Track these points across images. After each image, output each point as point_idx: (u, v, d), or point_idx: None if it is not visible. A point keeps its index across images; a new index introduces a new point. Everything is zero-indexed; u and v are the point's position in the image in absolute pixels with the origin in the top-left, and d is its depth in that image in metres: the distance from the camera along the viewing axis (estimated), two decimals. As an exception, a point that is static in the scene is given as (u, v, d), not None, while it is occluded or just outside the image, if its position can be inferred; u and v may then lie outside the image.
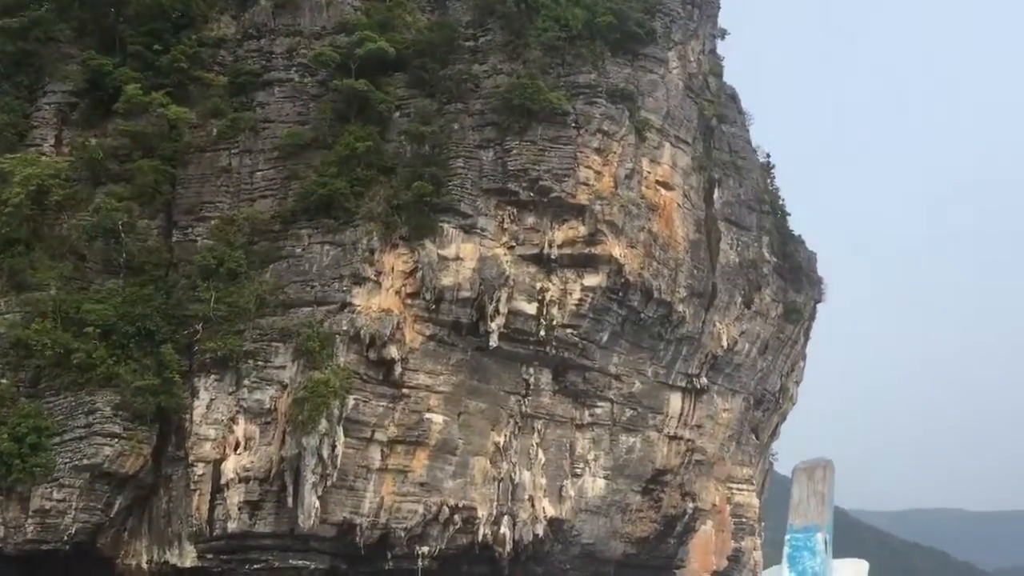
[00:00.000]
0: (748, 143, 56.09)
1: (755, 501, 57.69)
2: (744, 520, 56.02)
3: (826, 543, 2.84)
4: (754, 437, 59.98)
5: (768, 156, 61.05)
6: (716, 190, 51.38)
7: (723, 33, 58.88)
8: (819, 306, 60.88)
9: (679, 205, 48.22)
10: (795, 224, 59.68)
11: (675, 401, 49.94)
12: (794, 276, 56.76)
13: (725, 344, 50.63)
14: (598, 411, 47.38)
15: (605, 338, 46.16)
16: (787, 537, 2.96)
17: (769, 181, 60.08)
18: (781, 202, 59.60)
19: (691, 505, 51.55)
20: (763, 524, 59.33)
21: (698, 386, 50.49)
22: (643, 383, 48.39)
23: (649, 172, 47.00)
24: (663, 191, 47.56)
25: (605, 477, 47.77)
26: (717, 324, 50.36)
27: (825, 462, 3.12)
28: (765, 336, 53.69)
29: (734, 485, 56.69)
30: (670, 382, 49.61)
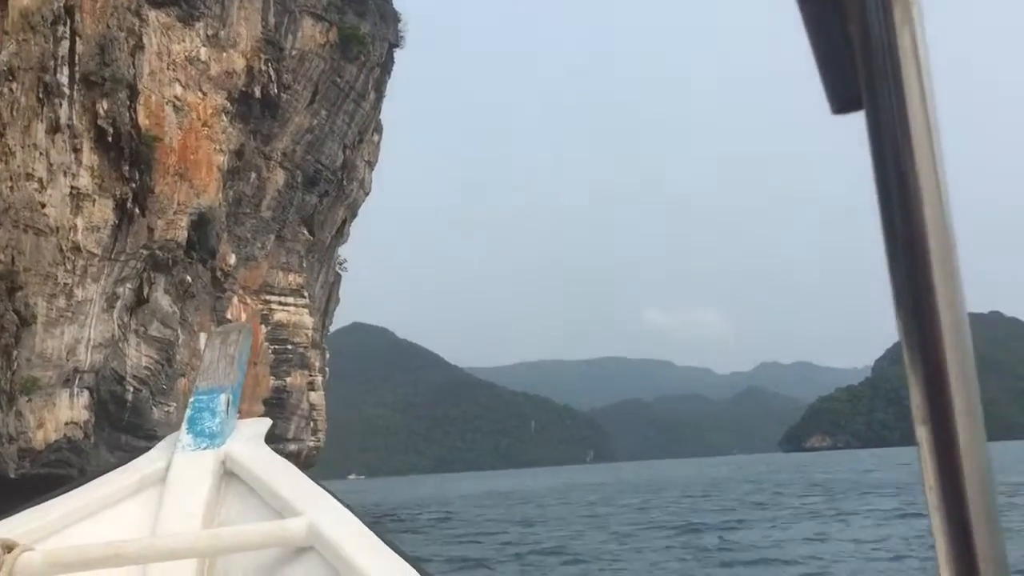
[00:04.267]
0: None
1: (308, 321, 43.01)
2: (290, 348, 41.76)
3: (229, 403, 2.60)
4: (305, 231, 42.18)
5: None
6: None
7: None
8: (397, 54, 47.24)
9: None
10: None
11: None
12: (356, -6, 42.22)
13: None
14: None
15: None
16: (191, 400, 2.64)
17: None
18: None
19: None
20: (327, 356, 47.26)
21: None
22: None
23: None
24: None
25: None
26: None
27: (242, 326, 2.89)
28: None
29: (273, 297, 40.67)
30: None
